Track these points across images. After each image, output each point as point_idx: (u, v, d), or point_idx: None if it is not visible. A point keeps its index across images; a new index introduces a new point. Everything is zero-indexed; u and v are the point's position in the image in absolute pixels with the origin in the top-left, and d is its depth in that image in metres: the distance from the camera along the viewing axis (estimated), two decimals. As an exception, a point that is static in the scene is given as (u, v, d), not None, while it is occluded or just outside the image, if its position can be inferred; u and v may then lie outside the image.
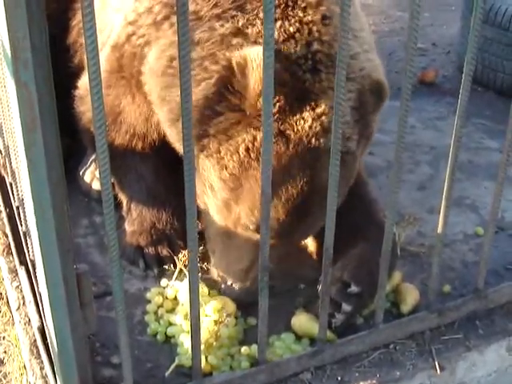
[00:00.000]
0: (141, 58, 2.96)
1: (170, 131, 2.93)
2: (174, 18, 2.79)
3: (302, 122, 2.56)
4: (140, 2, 2.99)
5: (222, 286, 2.85)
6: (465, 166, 4.06)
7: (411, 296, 2.92)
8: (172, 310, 2.85)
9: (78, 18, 3.57)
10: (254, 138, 2.57)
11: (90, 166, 3.67)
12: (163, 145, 3.17)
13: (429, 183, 3.93)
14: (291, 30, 2.61)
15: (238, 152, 2.60)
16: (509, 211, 3.65)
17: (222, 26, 2.68)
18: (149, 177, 3.29)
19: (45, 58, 1.77)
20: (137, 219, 3.30)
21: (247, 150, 2.59)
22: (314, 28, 2.63)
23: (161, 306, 2.87)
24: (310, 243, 3.14)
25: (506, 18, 4.84)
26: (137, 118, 3.17)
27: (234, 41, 2.64)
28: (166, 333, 2.78)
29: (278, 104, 2.53)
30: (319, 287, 2.59)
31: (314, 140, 2.56)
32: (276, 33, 2.58)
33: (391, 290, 2.94)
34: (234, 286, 2.82)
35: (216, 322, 2.67)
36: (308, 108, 2.56)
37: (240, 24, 2.66)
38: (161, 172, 3.28)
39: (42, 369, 2.67)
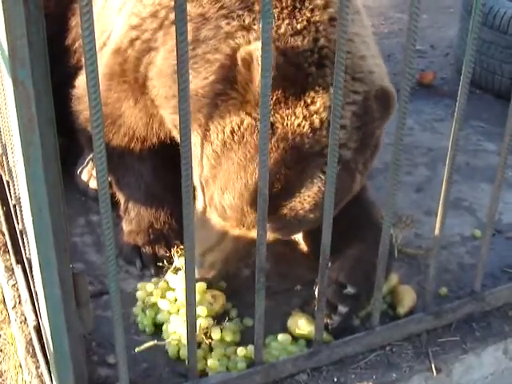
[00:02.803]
0: (147, 63, 2.95)
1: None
2: None
3: (292, 117, 2.52)
4: (143, 5, 2.97)
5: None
6: (462, 168, 4.07)
7: (408, 298, 2.92)
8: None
9: (77, 19, 3.56)
10: (241, 122, 2.57)
11: (87, 165, 3.67)
12: (162, 146, 3.18)
13: (426, 185, 3.93)
14: (298, 27, 2.61)
15: (224, 131, 2.60)
16: (506, 214, 3.65)
17: (228, 24, 2.68)
18: (147, 176, 3.29)
19: (42, 57, 1.77)
20: (134, 219, 3.30)
21: (232, 131, 2.58)
22: (322, 27, 2.62)
23: (150, 294, 2.88)
24: (307, 244, 3.14)
25: (505, 21, 4.84)
26: (137, 122, 3.16)
27: (239, 34, 2.64)
28: (153, 323, 2.80)
29: (275, 96, 2.50)
30: (316, 288, 2.58)
31: (298, 139, 2.52)
32: (283, 29, 2.59)
33: (388, 291, 2.93)
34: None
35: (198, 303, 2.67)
36: (303, 104, 2.53)
37: (246, 22, 2.67)
38: (159, 172, 3.27)
39: (37, 368, 2.67)
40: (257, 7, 2.68)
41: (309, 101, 2.54)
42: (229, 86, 2.59)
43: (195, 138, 2.70)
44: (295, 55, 2.55)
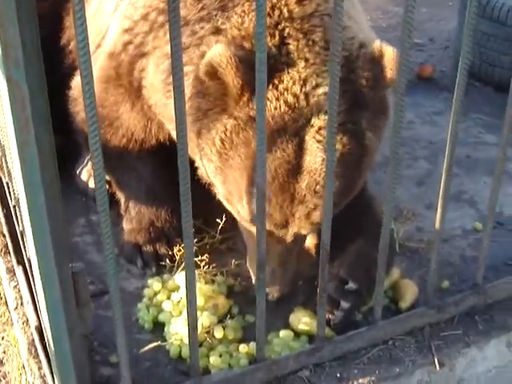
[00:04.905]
0: (140, 69, 2.94)
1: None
2: (167, 26, 2.77)
3: (268, 104, 2.47)
4: (135, 8, 2.95)
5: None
6: (463, 160, 4.06)
7: (410, 292, 2.92)
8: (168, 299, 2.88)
9: (71, 19, 3.55)
10: (226, 128, 2.55)
11: (86, 164, 3.67)
12: (161, 146, 3.17)
13: (427, 178, 3.93)
14: None
15: (215, 143, 2.59)
16: (508, 206, 3.64)
17: (203, 27, 2.67)
18: (148, 176, 3.29)
19: (36, 56, 1.77)
20: (135, 217, 3.30)
21: (221, 140, 2.57)
22: (285, 9, 2.59)
23: (158, 293, 2.91)
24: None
25: (503, 13, 4.83)
26: (135, 125, 3.15)
27: (207, 39, 2.63)
28: (153, 320, 2.83)
29: (247, 94, 2.47)
30: (317, 284, 2.58)
31: (279, 120, 2.48)
32: (246, 22, 2.59)
33: (390, 286, 2.93)
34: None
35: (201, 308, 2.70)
36: (271, 87, 2.48)
37: (219, 23, 2.64)
38: (160, 171, 3.27)
39: (40, 368, 2.67)
40: (230, 4, 2.66)
41: (276, 81, 2.50)
42: (205, 99, 2.58)
43: (199, 161, 2.73)
44: (251, 44, 2.52)
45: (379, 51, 2.54)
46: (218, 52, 2.43)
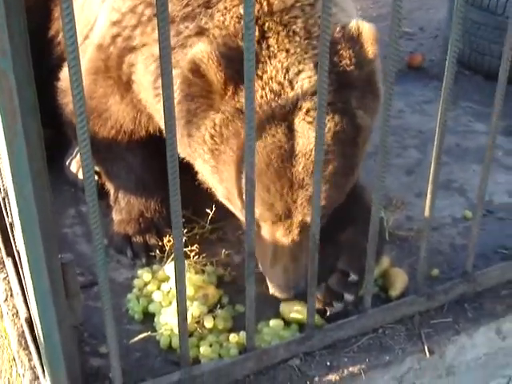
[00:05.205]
0: (129, 64, 2.93)
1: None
2: (155, 20, 2.77)
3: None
4: (123, 0, 2.94)
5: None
6: (453, 149, 4.07)
7: (400, 280, 2.92)
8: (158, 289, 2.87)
9: (59, 10, 3.53)
10: (214, 122, 2.55)
11: (75, 156, 3.66)
12: (151, 137, 3.16)
13: (417, 167, 3.93)
14: (241, 11, 2.57)
15: (206, 141, 2.59)
16: (497, 194, 3.66)
17: (187, 27, 2.66)
18: (137, 167, 3.28)
19: (23, 47, 1.75)
20: (125, 208, 3.29)
21: (212, 136, 2.57)
22: (265, 3, 2.60)
23: (148, 283, 2.91)
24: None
25: (493, 1, 4.83)
26: (124, 117, 3.15)
27: (190, 41, 2.63)
28: (143, 311, 2.82)
29: (231, 89, 2.49)
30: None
31: (267, 108, 2.49)
32: (228, 20, 2.60)
33: (380, 274, 2.93)
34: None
35: (191, 298, 2.69)
36: (256, 78, 2.45)
37: (203, 22, 2.64)
38: (149, 161, 3.27)
39: (30, 360, 2.66)
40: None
41: (260, 73, 2.51)
42: (194, 101, 2.57)
43: (196, 164, 2.73)
44: (236, 39, 2.55)
45: (356, 29, 2.55)
46: (199, 49, 2.45)
